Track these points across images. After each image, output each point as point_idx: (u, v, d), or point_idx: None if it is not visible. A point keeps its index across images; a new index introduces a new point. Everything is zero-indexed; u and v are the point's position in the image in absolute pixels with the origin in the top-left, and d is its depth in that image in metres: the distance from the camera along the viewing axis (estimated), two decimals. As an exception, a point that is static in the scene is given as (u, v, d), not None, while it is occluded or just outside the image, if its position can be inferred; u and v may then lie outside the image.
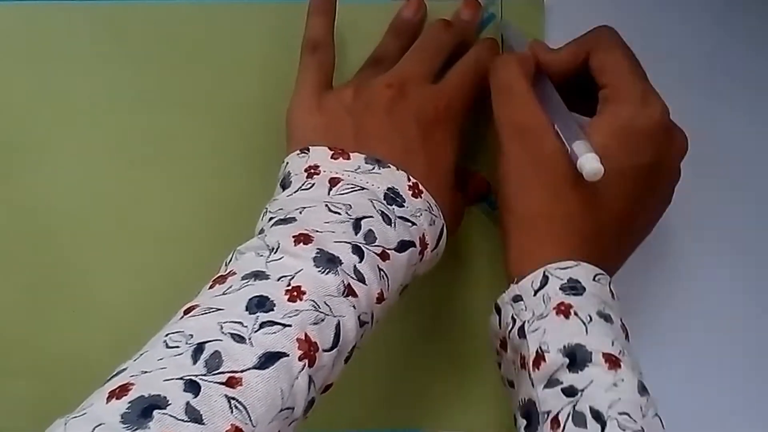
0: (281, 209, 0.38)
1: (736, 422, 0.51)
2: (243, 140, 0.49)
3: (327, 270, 0.35)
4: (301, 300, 0.34)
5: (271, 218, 0.38)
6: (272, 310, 0.33)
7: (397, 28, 0.48)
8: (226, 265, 0.37)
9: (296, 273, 0.34)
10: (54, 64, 0.49)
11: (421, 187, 0.40)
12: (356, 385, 0.49)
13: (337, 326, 0.34)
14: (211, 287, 0.35)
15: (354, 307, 0.35)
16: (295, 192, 0.39)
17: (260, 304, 0.33)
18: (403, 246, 0.38)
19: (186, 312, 0.34)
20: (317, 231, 0.36)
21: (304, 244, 0.36)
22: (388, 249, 0.37)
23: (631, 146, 0.41)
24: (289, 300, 0.33)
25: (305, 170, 0.40)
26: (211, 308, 0.33)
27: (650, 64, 0.51)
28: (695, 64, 0.49)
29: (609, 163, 0.38)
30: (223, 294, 0.34)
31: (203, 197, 0.49)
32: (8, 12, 0.49)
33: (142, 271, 0.49)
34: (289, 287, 0.34)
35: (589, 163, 0.38)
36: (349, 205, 0.38)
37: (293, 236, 0.36)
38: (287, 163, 0.41)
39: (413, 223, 0.39)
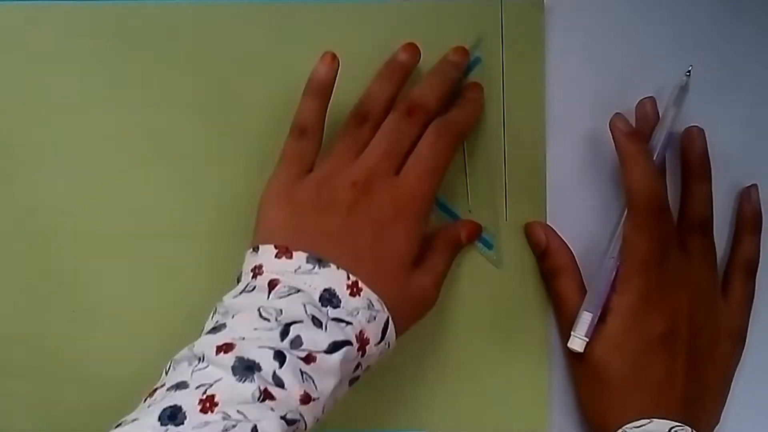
0: (226, 312, 0.40)
1: None
2: (243, 140, 0.49)
3: (244, 378, 0.37)
4: (212, 412, 0.35)
5: (213, 319, 0.40)
6: (182, 423, 0.35)
7: (388, 72, 0.47)
8: (165, 374, 0.39)
9: (215, 382, 0.36)
10: (54, 64, 0.49)
11: (360, 284, 0.41)
12: (357, 386, 0.49)
13: (253, 430, 0.35)
14: (145, 400, 0.37)
15: (273, 409, 0.36)
16: (239, 294, 0.41)
17: (172, 416, 0.35)
18: (335, 347, 0.39)
19: (116, 426, 0.36)
20: (243, 338, 0.38)
21: (225, 353, 0.37)
22: (316, 352, 0.39)
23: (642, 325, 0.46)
24: (201, 410, 0.35)
25: (251, 270, 0.42)
26: (132, 419, 0.35)
27: (650, 63, 0.51)
28: (695, 64, 0.49)
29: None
30: (148, 407, 0.36)
31: (203, 197, 0.49)
32: (8, 12, 0.49)
33: (142, 271, 0.49)
34: (204, 396, 0.36)
35: (572, 342, 0.47)
36: (280, 311, 0.39)
37: (217, 346, 0.38)
38: (244, 259, 0.43)
39: (348, 323, 0.40)
